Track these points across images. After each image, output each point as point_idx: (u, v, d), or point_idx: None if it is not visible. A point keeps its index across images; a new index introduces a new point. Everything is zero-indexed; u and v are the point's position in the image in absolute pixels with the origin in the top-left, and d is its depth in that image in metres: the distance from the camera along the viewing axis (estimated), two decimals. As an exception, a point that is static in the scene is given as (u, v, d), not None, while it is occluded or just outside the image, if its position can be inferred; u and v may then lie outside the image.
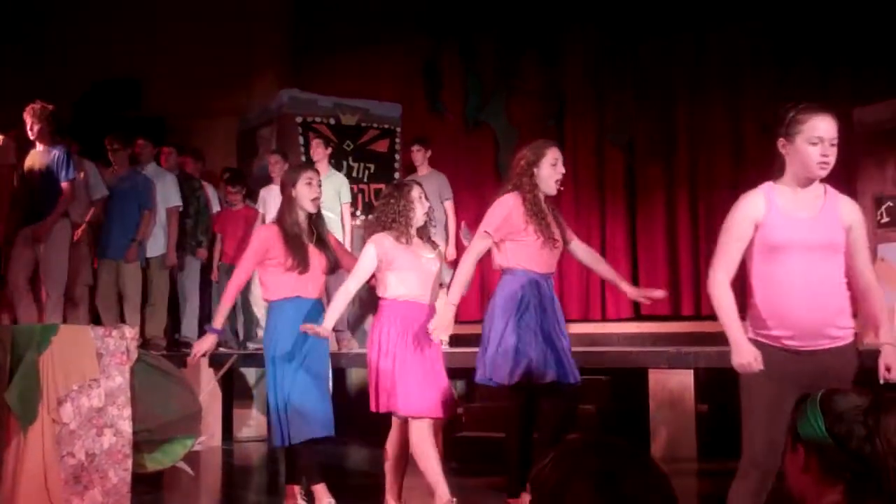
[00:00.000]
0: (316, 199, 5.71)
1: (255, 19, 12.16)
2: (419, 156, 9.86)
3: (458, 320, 7.43)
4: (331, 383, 6.09)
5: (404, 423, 5.38)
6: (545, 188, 5.55)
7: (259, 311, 9.48)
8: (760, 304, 4.00)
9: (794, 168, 3.99)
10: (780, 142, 4.01)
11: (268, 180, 9.80)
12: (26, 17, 12.44)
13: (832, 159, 3.93)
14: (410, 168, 10.18)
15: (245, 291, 9.97)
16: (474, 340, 8.35)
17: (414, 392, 5.24)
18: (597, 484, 1.62)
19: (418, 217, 5.45)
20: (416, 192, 5.46)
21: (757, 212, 4.00)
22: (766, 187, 4.06)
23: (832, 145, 3.91)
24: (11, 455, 4.75)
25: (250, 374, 9.92)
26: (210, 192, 10.31)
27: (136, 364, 5.15)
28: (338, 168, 10.30)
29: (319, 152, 9.52)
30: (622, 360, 8.12)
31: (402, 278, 5.37)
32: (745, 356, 3.93)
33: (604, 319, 10.47)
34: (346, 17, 11.70)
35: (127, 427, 5.03)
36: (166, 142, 10.41)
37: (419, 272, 5.41)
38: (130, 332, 5.13)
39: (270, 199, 9.64)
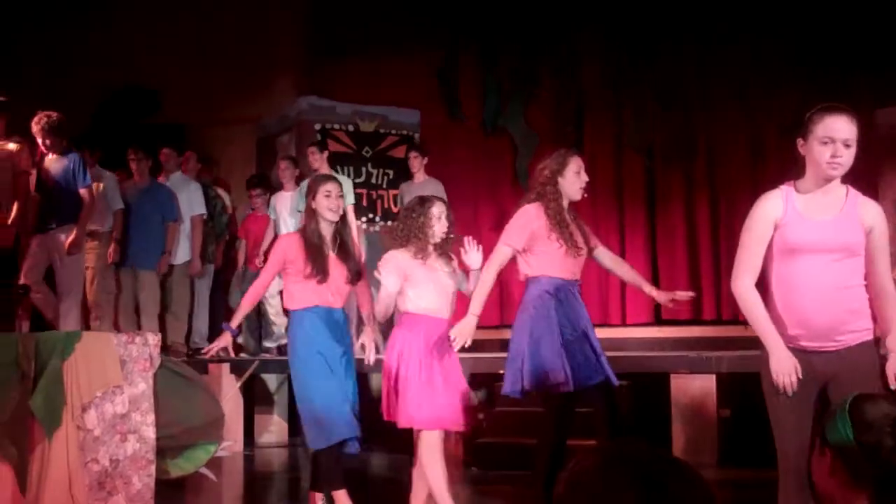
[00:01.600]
0: (334, 210, 5.74)
1: (272, 27, 12.19)
2: (416, 163, 9.93)
3: (478, 326, 7.39)
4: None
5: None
6: (571, 195, 5.55)
7: (277, 318, 9.54)
8: (778, 304, 3.99)
9: (811, 169, 3.98)
10: (799, 142, 4.00)
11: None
12: (45, 24, 12.51)
13: (846, 160, 3.89)
14: (430, 174, 10.20)
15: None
16: (494, 346, 8.39)
17: (425, 404, 5.25)
18: (645, 494, 1.61)
19: (437, 235, 5.47)
20: (436, 210, 5.48)
21: (775, 212, 3.99)
22: (785, 188, 4.04)
23: (846, 146, 3.88)
24: (37, 461, 4.77)
25: (271, 380, 9.95)
26: (225, 199, 10.37)
27: (159, 370, 5.16)
28: (357, 174, 10.34)
29: (316, 159, 9.53)
30: (643, 364, 8.10)
31: (420, 293, 5.40)
32: (784, 365, 3.90)
33: (623, 324, 10.45)
34: (363, 23, 11.71)
35: (150, 433, 5.04)
36: (186, 149, 10.44)
37: (436, 286, 5.44)
38: (153, 338, 5.15)
39: (281, 205, 9.69)
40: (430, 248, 5.47)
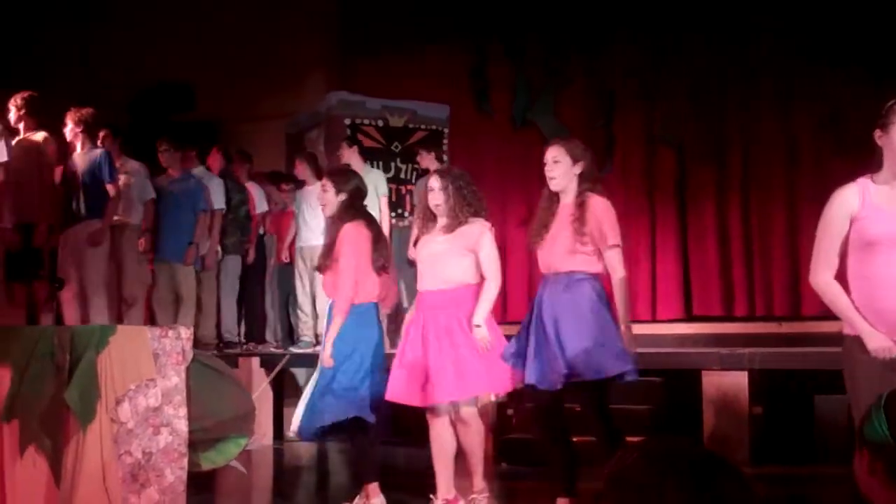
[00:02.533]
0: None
1: (303, 23, 12.21)
2: (426, 160, 10.00)
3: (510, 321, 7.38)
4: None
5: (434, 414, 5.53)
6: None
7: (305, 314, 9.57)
8: (858, 300, 3.92)
9: (890, 160, 3.91)
10: (877, 133, 3.93)
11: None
12: (78, 21, 12.58)
13: None
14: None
15: (290, 294, 10.05)
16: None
17: (398, 380, 5.51)
18: (690, 491, 1.59)
19: (431, 206, 5.58)
20: (424, 182, 5.73)
21: (851, 206, 3.92)
22: (862, 181, 3.97)
23: None
24: (71, 454, 4.78)
25: (300, 374, 9.97)
26: (257, 193, 10.37)
27: (191, 364, 5.17)
28: (386, 170, 10.35)
29: (346, 153, 9.60)
30: (674, 361, 8.06)
31: (419, 271, 5.66)
32: (880, 341, 3.84)
33: (653, 320, 10.40)
34: (392, 18, 11.71)
35: (183, 426, 5.05)
36: (216, 144, 10.47)
37: (426, 261, 5.58)
38: (186, 332, 5.15)
39: (302, 201, 9.73)
40: (430, 221, 5.61)
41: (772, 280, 10.04)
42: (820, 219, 4.04)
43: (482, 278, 5.50)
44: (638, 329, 9.38)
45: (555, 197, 5.42)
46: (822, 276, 3.99)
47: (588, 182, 5.38)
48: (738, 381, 7.54)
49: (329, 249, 5.89)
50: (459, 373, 5.34)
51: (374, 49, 11.77)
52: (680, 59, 10.56)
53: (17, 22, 12.60)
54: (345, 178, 6.03)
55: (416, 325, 5.59)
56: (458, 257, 5.48)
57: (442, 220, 5.59)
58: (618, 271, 5.31)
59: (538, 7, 11.13)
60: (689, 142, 10.54)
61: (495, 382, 5.61)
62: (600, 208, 5.30)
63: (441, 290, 5.50)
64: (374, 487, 5.79)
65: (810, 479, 7.27)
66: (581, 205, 5.30)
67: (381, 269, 5.80)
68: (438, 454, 5.59)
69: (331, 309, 5.88)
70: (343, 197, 5.89)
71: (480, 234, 5.50)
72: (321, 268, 5.97)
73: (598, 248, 5.30)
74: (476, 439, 5.52)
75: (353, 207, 5.91)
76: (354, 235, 5.77)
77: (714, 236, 10.39)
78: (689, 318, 10.30)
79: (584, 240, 5.25)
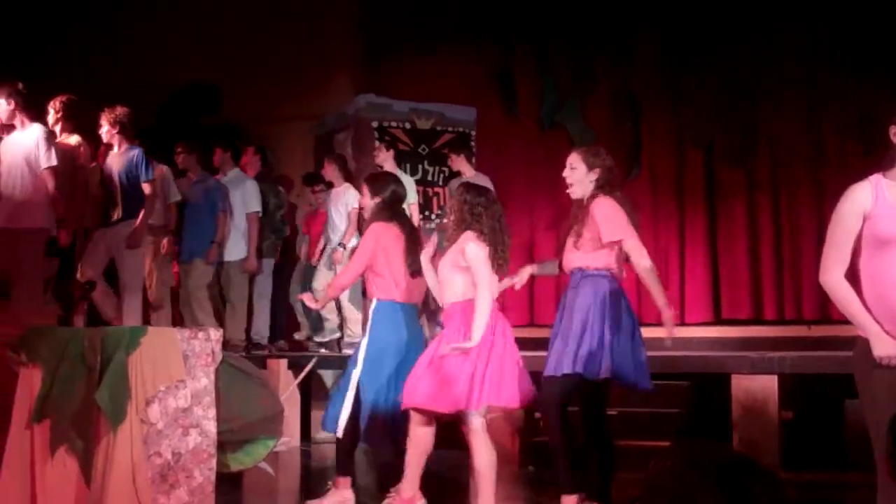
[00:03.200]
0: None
1: (329, 24, 12.24)
2: (456, 162, 9.96)
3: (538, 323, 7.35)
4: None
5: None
6: None
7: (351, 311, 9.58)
8: (869, 299, 3.85)
9: None
10: (892, 130, 3.88)
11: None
12: (106, 23, 12.66)
13: None
14: (487, 171, 10.20)
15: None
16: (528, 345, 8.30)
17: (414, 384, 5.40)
18: (728, 496, 1.59)
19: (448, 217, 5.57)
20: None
21: (864, 203, 3.86)
22: (875, 178, 3.91)
23: None
24: (101, 454, 4.82)
25: (328, 375, 9.99)
26: (283, 195, 10.42)
27: (220, 366, 5.19)
28: (413, 172, 10.36)
29: (381, 156, 9.64)
30: (703, 364, 8.02)
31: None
32: (888, 348, 3.76)
33: (682, 323, 10.35)
34: (419, 20, 11.72)
35: (212, 427, 5.07)
36: (252, 146, 10.49)
37: (440, 274, 5.52)
38: (215, 334, 5.18)
39: (331, 202, 9.77)
40: (449, 232, 5.55)
41: (801, 283, 9.99)
42: (832, 217, 3.97)
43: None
44: (664, 332, 9.41)
45: (579, 203, 5.52)
46: (832, 275, 3.92)
47: (604, 187, 5.45)
48: (767, 385, 7.49)
49: None
50: (439, 383, 5.31)
51: (401, 51, 11.78)
52: (707, 61, 10.52)
53: (42, 23, 12.70)
54: (381, 183, 6.10)
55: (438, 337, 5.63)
56: (454, 272, 5.42)
57: (449, 232, 5.60)
58: (641, 262, 5.35)
59: (565, 9, 11.11)
60: (718, 143, 10.50)
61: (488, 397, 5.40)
62: (599, 207, 5.37)
63: (450, 303, 5.46)
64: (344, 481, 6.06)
65: (840, 484, 7.21)
66: (586, 207, 5.43)
67: (415, 272, 5.82)
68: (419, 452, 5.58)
69: (374, 309, 5.95)
70: (377, 200, 5.97)
71: (465, 247, 5.40)
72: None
73: (600, 246, 5.37)
74: (484, 458, 5.35)
75: (389, 210, 5.97)
76: (377, 233, 5.84)
77: (743, 239, 10.34)
78: (718, 321, 10.25)
79: (581, 240, 5.39)
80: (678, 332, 9.72)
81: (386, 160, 9.66)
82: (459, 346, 5.17)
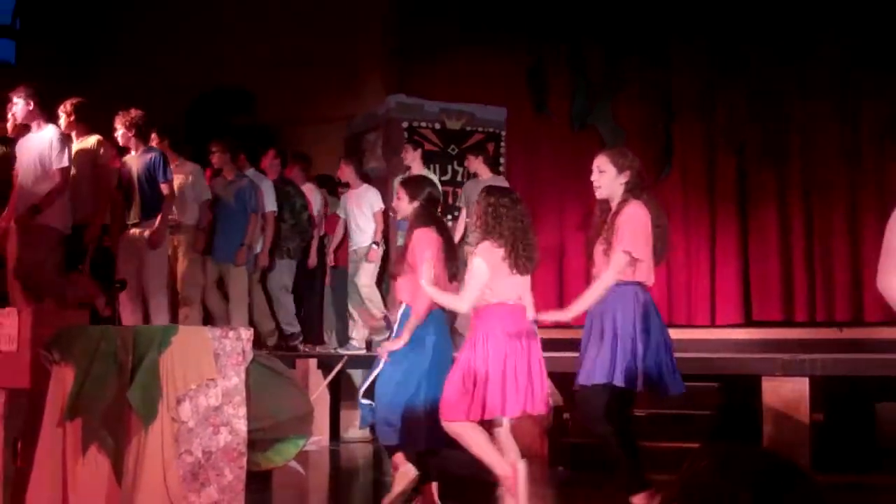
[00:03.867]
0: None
1: (360, 26, 12.29)
2: (473, 163, 9.93)
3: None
4: None
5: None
6: None
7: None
8: None
9: None
10: None
11: (376, 183, 9.97)
12: (136, 26, 12.76)
13: None
14: (517, 171, 10.20)
15: (343, 296, 10.10)
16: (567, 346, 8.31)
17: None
18: (764, 498, 1.58)
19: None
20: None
21: None
22: None
23: None
24: (132, 452, 4.84)
25: (357, 375, 10.01)
26: (315, 196, 10.40)
27: (250, 365, 5.21)
28: (442, 173, 10.37)
29: (409, 156, 9.67)
30: (733, 366, 7.98)
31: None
32: None
33: (713, 325, 10.31)
34: (449, 21, 11.74)
35: (242, 426, 5.09)
36: (273, 148, 10.53)
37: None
38: (246, 333, 5.19)
39: (350, 203, 9.81)
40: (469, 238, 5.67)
41: (833, 285, 9.93)
42: (891, 219, 3.94)
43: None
44: (696, 334, 9.41)
45: (606, 206, 5.48)
46: (890, 279, 3.87)
47: (634, 190, 5.40)
48: (798, 387, 7.44)
49: (402, 256, 5.97)
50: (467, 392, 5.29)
51: (432, 52, 11.80)
52: (740, 62, 10.47)
53: (79, 25, 12.81)
54: (418, 186, 6.10)
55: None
56: None
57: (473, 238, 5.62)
58: (608, 274, 5.29)
59: (597, 10, 11.09)
60: (750, 145, 10.45)
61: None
62: (627, 214, 5.33)
63: (474, 311, 5.44)
64: (428, 487, 5.86)
65: (871, 487, 7.17)
66: (617, 212, 5.36)
67: (452, 277, 5.83)
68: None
69: (403, 314, 5.95)
70: (416, 204, 5.97)
71: (471, 257, 5.43)
72: (395, 274, 6.06)
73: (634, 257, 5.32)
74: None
75: (426, 214, 5.98)
76: (428, 239, 5.84)
77: (775, 240, 10.29)
78: (749, 323, 10.20)
79: (612, 248, 5.29)
80: (709, 334, 9.80)
81: (414, 160, 9.70)
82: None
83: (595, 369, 5.24)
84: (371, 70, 12.19)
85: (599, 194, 5.47)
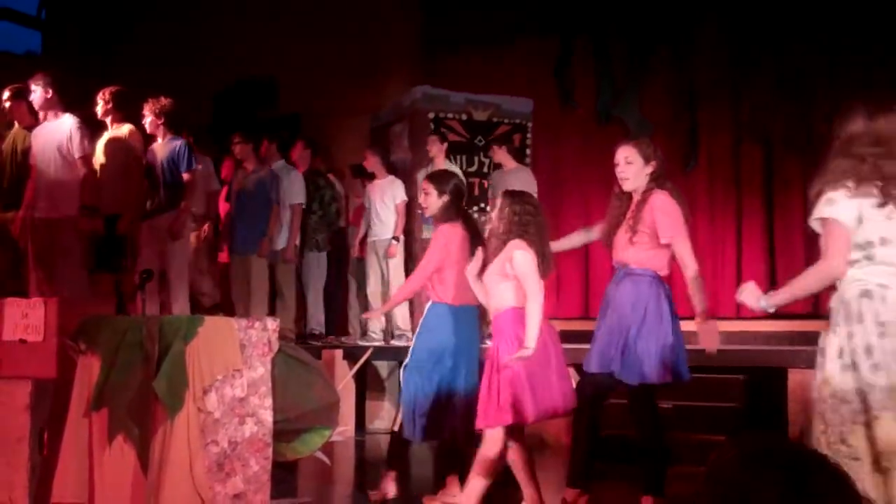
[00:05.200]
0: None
1: (385, 18, 12.28)
2: (499, 154, 9.91)
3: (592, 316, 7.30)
4: None
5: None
6: None
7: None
8: None
9: None
10: None
11: (401, 175, 9.97)
12: (165, 18, 12.79)
13: None
14: (543, 163, 10.18)
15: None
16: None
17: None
18: (789, 490, 1.57)
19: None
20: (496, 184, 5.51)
21: None
22: None
23: None
24: (158, 443, 4.86)
25: (383, 367, 10.03)
26: (338, 187, 10.44)
27: (277, 355, 5.23)
28: (469, 164, 10.36)
29: (434, 148, 9.65)
30: (759, 359, 7.94)
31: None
32: None
33: (738, 317, 10.25)
34: (475, 13, 11.71)
35: (268, 417, 5.10)
36: (301, 139, 10.55)
37: (486, 283, 5.44)
38: (272, 323, 5.21)
39: (374, 194, 9.81)
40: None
41: (859, 276, 9.87)
42: None
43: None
44: (722, 326, 9.31)
45: (625, 196, 5.50)
46: None
47: (659, 180, 5.43)
48: (825, 379, 7.39)
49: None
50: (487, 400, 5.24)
51: (459, 43, 11.78)
52: (767, 51, 10.41)
53: (104, 15, 12.86)
54: (445, 180, 6.09)
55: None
56: (501, 281, 5.30)
57: (494, 241, 5.41)
58: (689, 267, 5.31)
59: (622, 2, 11.05)
60: (777, 135, 10.39)
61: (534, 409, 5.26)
62: (658, 203, 5.34)
63: (499, 312, 5.34)
64: (452, 479, 5.84)
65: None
66: (643, 200, 5.38)
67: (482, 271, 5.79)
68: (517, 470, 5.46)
69: (427, 311, 5.96)
70: (445, 198, 5.95)
71: (512, 254, 5.26)
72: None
73: (656, 245, 5.33)
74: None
75: (454, 208, 5.98)
76: (447, 235, 5.86)
77: (800, 232, 10.21)
78: (775, 315, 10.12)
79: (638, 235, 5.33)
80: (734, 326, 9.73)
81: (439, 153, 9.67)
82: (520, 356, 5.07)
83: (645, 367, 5.22)
84: (398, 62, 12.19)
85: (627, 186, 5.47)
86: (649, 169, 5.43)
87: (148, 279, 6.20)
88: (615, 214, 5.51)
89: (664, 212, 5.32)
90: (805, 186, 10.03)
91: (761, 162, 10.50)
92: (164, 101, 8.29)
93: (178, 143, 8.27)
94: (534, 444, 5.36)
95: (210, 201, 9.40)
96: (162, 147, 8.28)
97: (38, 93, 7.59)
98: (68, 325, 5.05)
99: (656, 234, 5.32)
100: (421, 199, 6.27)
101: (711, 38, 10.75)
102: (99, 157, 7.87)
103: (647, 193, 5.39)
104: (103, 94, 8.00)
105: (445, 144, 9.82)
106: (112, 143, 7.89)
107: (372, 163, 9.94)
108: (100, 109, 7.99)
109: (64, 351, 5.03)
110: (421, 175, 8.72)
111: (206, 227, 9.40)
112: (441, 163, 9.48)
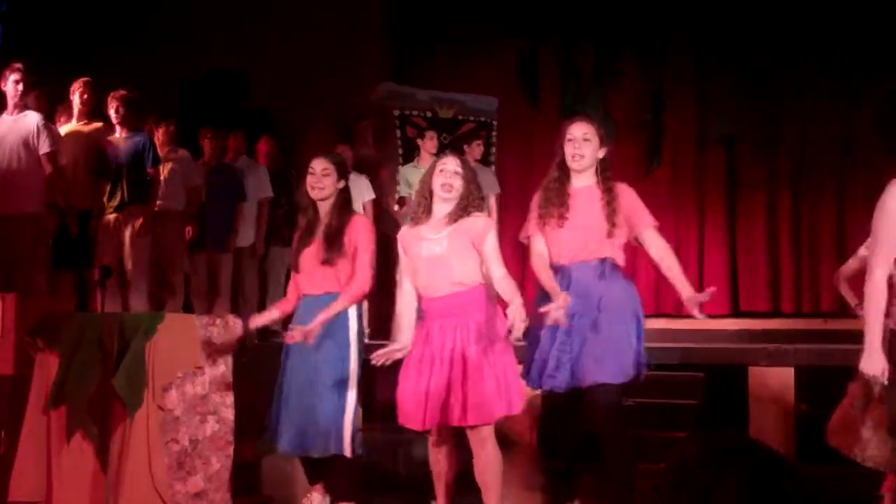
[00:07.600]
0: (315, 190, 5.34)
1: (356, 15, 12.25)
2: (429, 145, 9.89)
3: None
4: None
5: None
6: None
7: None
8: None
9: None
10: None
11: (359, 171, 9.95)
12: (134, 8, 12.70)
13: None
14: (509, 162, 10.20)
15: None
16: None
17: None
18: (751, 486, 1.60)
19: (436, 191, 4.77)
20: (438, 163, 4.82)
21: None
22: None
23: None
24: (118, 440, 4.84)
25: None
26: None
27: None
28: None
29: (431, 144, 9.63)
30: (720, 356, 7.99)
31: (413, 270, 4.84)
32: (875, 366, 3.77)
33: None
34: (445, 12, 11.71)
35: (230, 414, 5.10)
36: (268, 133, 10.48)
37: (422, 260, 4.74)
38: (234, 320, 5.20)
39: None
40: (427, 211, 4.81)
41: (819, 276, 10.02)
42: (877, 211, 3.77)
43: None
44: (683, 324, 9.44)
45: (566, 177, 5.04)
46: (874, 276, 3.75)
47: (608, 169, 5.04)
48: (784, 377, 7.47)
49: None
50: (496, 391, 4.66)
51: (427, 42, 11.78)
52: (732, 56, 10.50)
53: (67, 7, 12.75)
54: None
55: (424, 340, 4.77)
56: (466, 254, 4.71)
57: (445, 209, 4.78)
58: (664, 245, 4.96)
59: (590, 2, 11.09)
60: (740, 138, 10.49)
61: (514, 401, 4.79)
62: (630, 194, 5.01)
63: (453, 293, 4.70)
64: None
65: (855, 476, 7.18)
66: (609, 191, 4.96)
67: None
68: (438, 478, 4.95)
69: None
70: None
71: (487, 229, 4.73)
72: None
73: (625, 237, 4.99)
74: (494, 468, 4.72)
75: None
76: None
77: (762, 232, 10.34)
78: (736, 313, 10.23)
79: (618, 229, 4.92)
80: (695, 325, 9.75)
81: (432, 151, 9.61)
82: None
83: (615, 365, 4.83)
84: (366, 59, 12.15)
85: (581, 164, 4.97)
86: (601, 153, 5.02)
87: (108, 276, 6.16)
88: (556, 198, 4.99)
89: (639, 201, 5.02)
90: (766, 187, 10.23)
91: (724, 164, 10.59)
92: (127, 92, 8.18)
93: (141, 138, 8.14)
94: (498, 440, 5.06)
95: (191, 197, 9.23)
96: (123, 140, 8.13)
97: (9, 84, 7.44)
98: (27, 321, 5.02)
99: (626, 227, 4.96)
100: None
101: (678, 41, 10.83)
102: (68, 152, 7.74)
103: (609, 184, 4.98)
104: (78, 86, 7.91)
105: (436, 142, 9.76)
106: (78, 137, 7.80)
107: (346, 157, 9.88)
108: (76, 102, 7.90)
109: (22, 348, 5.00)
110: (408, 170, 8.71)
111: (189, 228, 9.26)
112: (428, 161, 9.40)
